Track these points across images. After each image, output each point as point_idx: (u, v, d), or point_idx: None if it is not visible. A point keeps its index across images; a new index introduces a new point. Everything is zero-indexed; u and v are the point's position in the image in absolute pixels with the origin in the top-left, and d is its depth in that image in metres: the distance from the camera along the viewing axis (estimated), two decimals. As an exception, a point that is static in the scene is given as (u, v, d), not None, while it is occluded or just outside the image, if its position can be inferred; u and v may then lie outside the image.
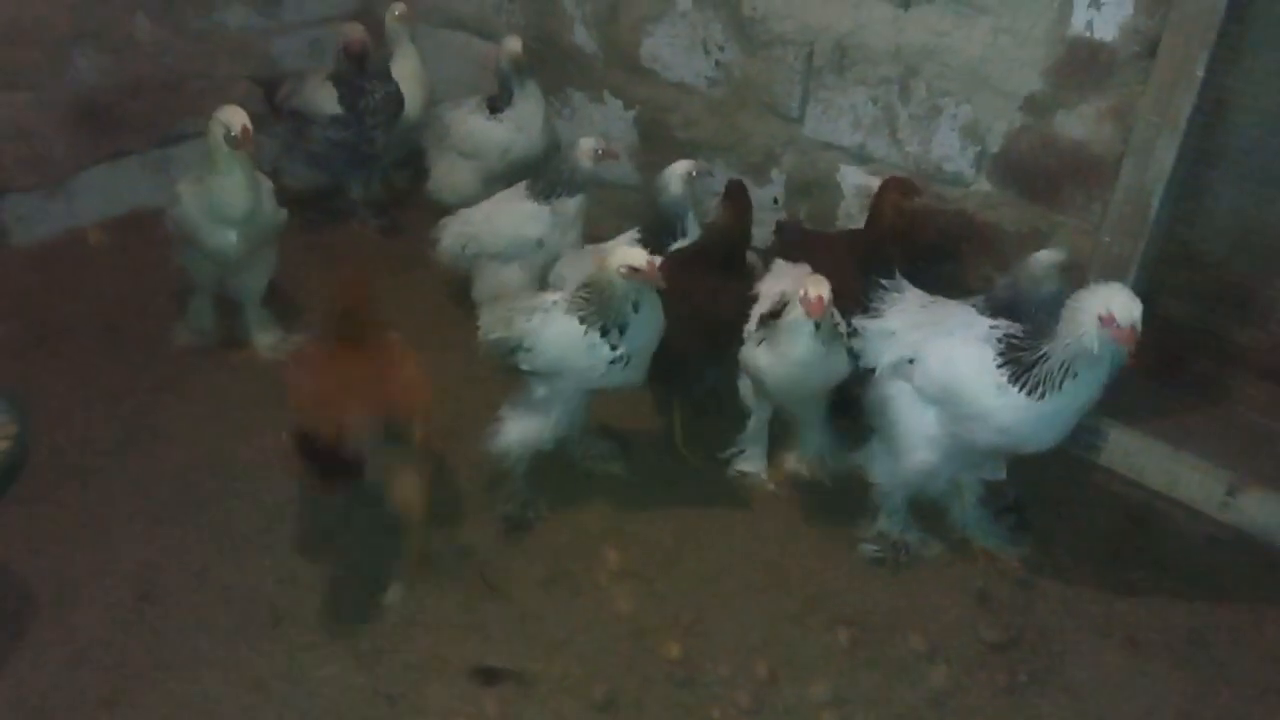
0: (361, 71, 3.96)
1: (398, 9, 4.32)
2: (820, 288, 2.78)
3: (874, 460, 3.00)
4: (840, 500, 3.21)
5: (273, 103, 4.30)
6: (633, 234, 3.62)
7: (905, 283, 3.05)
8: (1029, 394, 2.61)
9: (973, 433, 2.68)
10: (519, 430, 3.00)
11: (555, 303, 2.91)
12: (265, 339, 3.74)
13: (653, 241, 3.45)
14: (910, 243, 3.35)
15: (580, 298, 2.87)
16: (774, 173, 3.94)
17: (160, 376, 3.63)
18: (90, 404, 3.48)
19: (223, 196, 3.33)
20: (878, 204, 3.39)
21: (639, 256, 2.75)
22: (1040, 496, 3.22)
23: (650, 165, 4.38)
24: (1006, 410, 2.63)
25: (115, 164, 4.41)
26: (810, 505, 3.22)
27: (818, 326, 2.80)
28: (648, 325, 2.86)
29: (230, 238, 3.38)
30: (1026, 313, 2.95)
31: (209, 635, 2.76)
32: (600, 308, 2.82)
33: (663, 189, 3.55)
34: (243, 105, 3.36)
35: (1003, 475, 3.00)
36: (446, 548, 3.04)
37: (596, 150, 3.62)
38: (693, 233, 3.51)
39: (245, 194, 3.34)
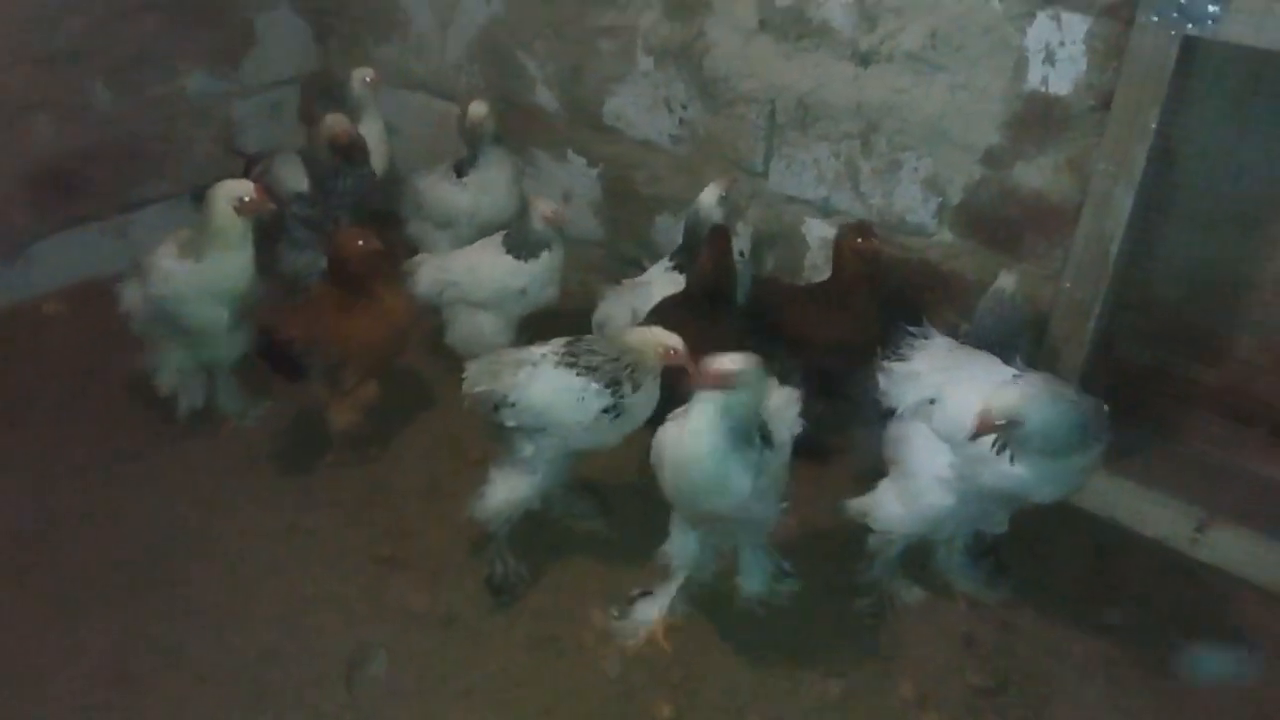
0: (349, 161, 3.90)
1: (367, 75, 4.30)
2: (726, 363, 2.52)
3: (880, 505, 2.96)
4: (823, 551, 3.23)
5: (248, 177, 4.26)
6: (665, 262, 3.69)
7: (933, 329, 3.07)
8: (998, 450, 2.62)
9: (981, 477, 2.70)
10: (506, 491, 2.97)
11: (544, 356, 2.91)
12: (234, 407, 3.69)
13: (688, 266, 3.52)
14: (874, 288, 3.42)
15: (588, 352, 2.88)
16: (739, 226, 3.99)
17: (125, 447, 3.56)
18: (53, 478, 3.41)
19: (227, 272, 3.27)
20: (838, 250, 3.46)
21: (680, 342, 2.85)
22: (1015, 537, 3.26)
23: (615, 221, 4.44)
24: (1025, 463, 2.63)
25: (74, 231, 4.36)
26: (792, 557, 3.23)
27: (720, 406, 2.54)
28: (652, 397, 2.90)
29: (223, 315, 3.33)
30: (1009, 340, 3.06)
31: (187, 718, 2.68)
32: (616, 371, 2.84)
33: (700, 214, 3.61)
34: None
35: (1004, 529, 3.01)
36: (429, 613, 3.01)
37: (545, 214, 3.66)
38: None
39: (250, 269, 3.30)
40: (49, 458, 3.49)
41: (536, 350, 2.95)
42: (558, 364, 2.87)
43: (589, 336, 3.04)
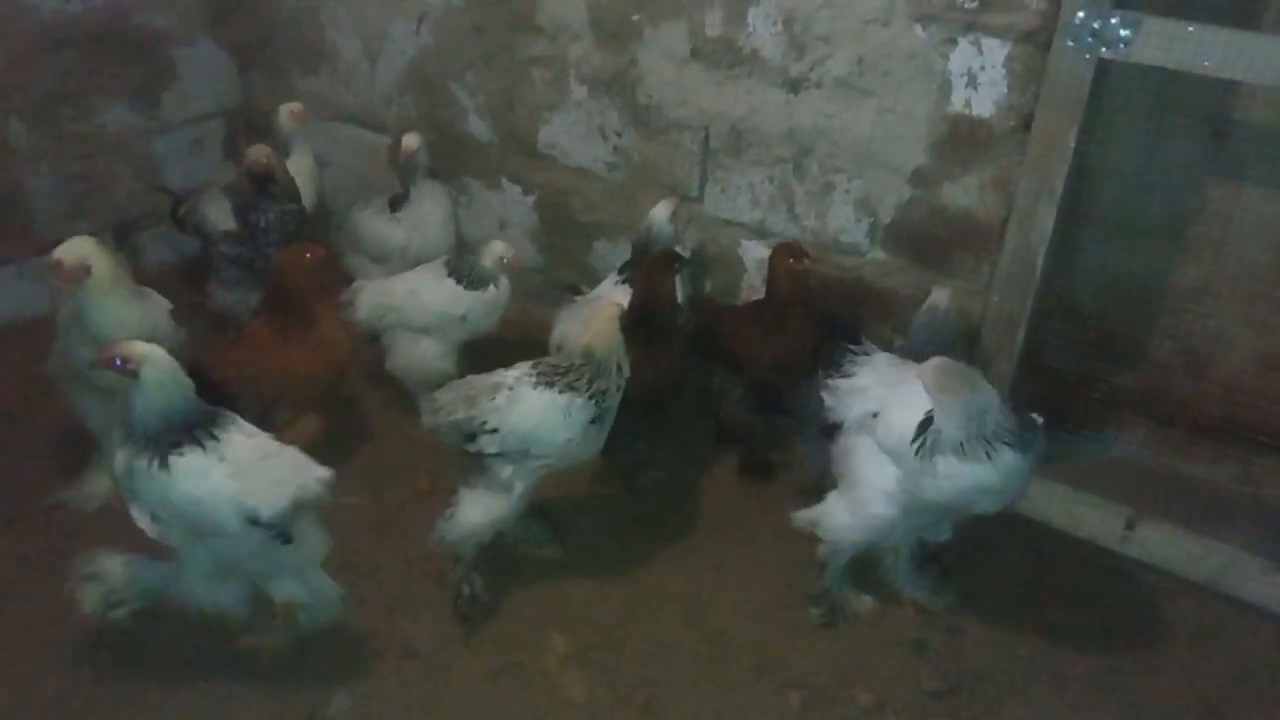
0: (264, 192, 3.83)
1: (293, 108, 4.27)
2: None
3: (829, 515, 3.03)
4: (777, 564, 3.29)
5: (176, 216, 4.17)
6: (614, 276, 3.74)
7: (873, 345, 3.16)
8: (921, 456, 2.72)
9: (924, 489, 2.79)
10: (479, 513, 2.94)
11: (519, 378, 2.92)
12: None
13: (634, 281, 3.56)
14: (808, 307, 3.51)
15: (564, 373, 2.90)
16: (677, 249, 4.04)
17: (57, 494, 3.44)
18: (-15, 529, 3.29)
19: (102, 322, 3.07)
20: (771, 271, 3.55)
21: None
22: (956, 544, 3.36)
23: (552, 248, 4.47)
24: (950, 468, 2.71)
25: (-8, 274, 4.23)
26: (747, 572, 3.29)
27: None
28: (620, 389, 2.97)
29: None
30: (944, 354, 3.14)
31: (145, 766, 2.62)
32: (597, 383, 2.89)
33: (652, 230, 3.68)
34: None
35: (948, 536, 3.11)
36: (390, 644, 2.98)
37: (502, 259, 3.69)
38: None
39: (125, 317, 3.10)
40: (-23, 508, 3.37)
41: (509, 374, 2.95)
42: (536, 385, 2.88)
43: (551, 359, 3.05)
